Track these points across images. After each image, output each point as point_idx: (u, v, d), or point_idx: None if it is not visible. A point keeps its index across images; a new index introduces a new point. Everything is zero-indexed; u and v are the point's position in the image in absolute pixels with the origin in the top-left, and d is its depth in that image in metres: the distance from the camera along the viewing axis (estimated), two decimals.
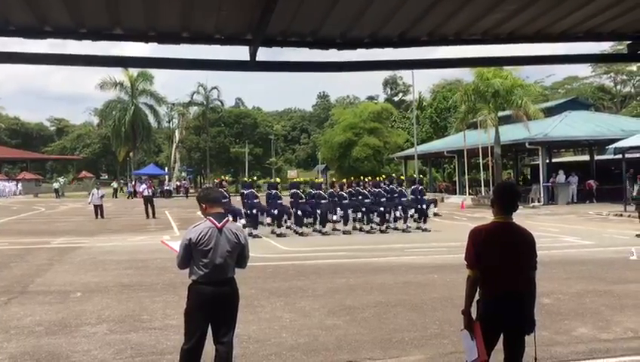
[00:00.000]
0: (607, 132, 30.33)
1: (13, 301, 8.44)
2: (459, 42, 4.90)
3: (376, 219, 17.98)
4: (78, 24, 4.21)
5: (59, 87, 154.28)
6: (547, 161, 33.58)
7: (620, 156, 25.64)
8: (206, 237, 4.33)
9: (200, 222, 4.46)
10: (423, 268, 10.87)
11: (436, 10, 4.21)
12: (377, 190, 18.20)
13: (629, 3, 4.23)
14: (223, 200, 13.69)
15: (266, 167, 71.85)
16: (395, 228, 18.24)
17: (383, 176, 22.71)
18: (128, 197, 47.69)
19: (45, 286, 9.62)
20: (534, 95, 34.44)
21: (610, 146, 26.26)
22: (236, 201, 18.31)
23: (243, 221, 16.06)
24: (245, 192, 17.40)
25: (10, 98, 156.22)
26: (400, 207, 18.15)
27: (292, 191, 17.98)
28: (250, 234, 16.21)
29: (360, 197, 17.99)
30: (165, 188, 51.76)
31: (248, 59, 4.67)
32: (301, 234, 17.25)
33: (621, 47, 5.99)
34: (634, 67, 53.93)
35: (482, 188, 34.02)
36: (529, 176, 42.93)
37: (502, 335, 3.79)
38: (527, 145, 31.24)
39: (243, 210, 17.02)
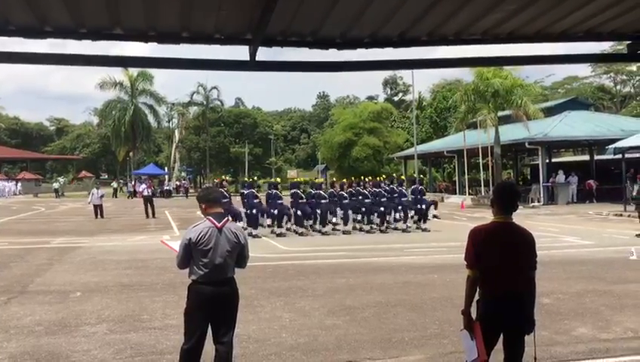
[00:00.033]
0: (606, 132, 30.34)
1: (13, 301, 8.43)
2: (459, 42, 4.91)
3: (377, 220, 17.99)
4: (78, 24, 4.21)
5: (59, 87, 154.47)
6: (547, 160, 33.59)
7: (619, 156, 25.65)
8: (206, 237, 4.33)
9: (200, 222, 4.46)
10: (422, 268, 10.87)
11: (436, 10, 4.21)
12: (378, 190, 18.20)
13: (629, 3, 4.23)
14: (224, 200, 13.75)
15: (266, 166, 71.86)
16: (395, 228, 18.24)
17: (384, 176, 22.71)
18: (129, 197, 47.67)
19: (45, 286, 9.62)
20: (534, 95, 34.43)
21: (610, 146, 26.27)
22: (236, 201, 18.29)
23: (243, 224, 16.04)
24: (245, 192, 17.38)
25: (10, 98, 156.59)
26: (400, 207, 18.15)
27: (292, 191, 18.00)
28: (250, 234, 16.22)
29: (360, 197, 17.98)
30: (165, 188, 51.76)
31: (248, 59, 4.67)
32: (301, 234, 17.26)
33: (621, 47, 5.99)
34: (634, 67, 53.96)
35: (482, 188, 34.04)
36: (529, 176, 42.94)
37: (501, 335, 3.79)
38: (526, 145, 31.26)
39: (243, 210, 17.02)
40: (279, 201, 17.33)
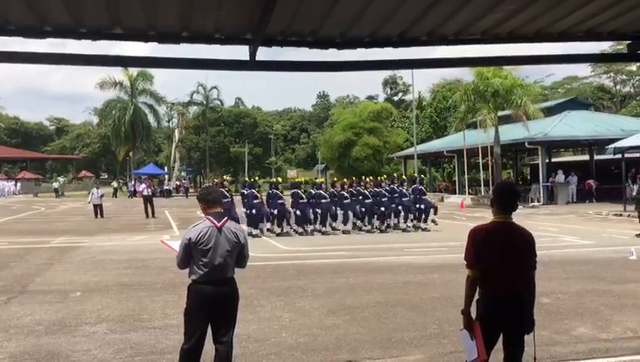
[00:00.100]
0: (606, 132, 30.35)
1: (13, 300, 8.43)
2: (458, 42, 4.91)
3: (377, 222, 18.00)
4: (77, 24, 4.21)
5: (58, 87, 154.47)
6: (547, 160, 33.61)
7: (619, 156, 25.66)
8: (205, 236, 4.33)
9: (199, 222, 4.46)
10: (422, 268, 10.87)
11: (436, 10, 4.22)
12: (378, 190, 18.19)
13: (629, 3, 4.23)
14: (224, 200, 13.76)
15: (266, 166, 71.85)
16: (396, 228, 18.24)
17: (384, 175, 22.70)
18: (129, 197, 47.65)
19: (45, 285, 9.62)
20: (534, 95, 34.43)
21: (610, 146, 26.28)
22: (237, 201, 18.28)
23: (244, 226, 16.04)
24: (245, 192, 17.40)
25: (10, 97, 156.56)
26: (400, 207, 18.16)
27: (292, 191, 18.02)
28: (250, 234, 16.24)
29: (360, 197, 17.98)
30: (165, 187, 51.74)
31: (248, 58, 4.67)
32: (301, 234, 17.28)
33: (621, 46, 6.00)
34: (634, 67, 53.97)
35: (482, 187, 34.04)
36: (528, 176, 42.95)
37: (501, 335, 3.79)
38: (526, 144, 31.28)
39: (243, 210, 17.06)
40: (279, 201, 17.34)
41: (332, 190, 18.23)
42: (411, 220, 18.29)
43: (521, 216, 17.89)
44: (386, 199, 17.98)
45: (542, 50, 5.55)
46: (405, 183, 19.32)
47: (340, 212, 17.89)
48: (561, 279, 9.41)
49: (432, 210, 18.61)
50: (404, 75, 79.97)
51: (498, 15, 4.39)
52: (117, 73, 57.08)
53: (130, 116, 56.84)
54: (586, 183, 31.89)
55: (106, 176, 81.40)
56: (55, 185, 54.13)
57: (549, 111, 34.52)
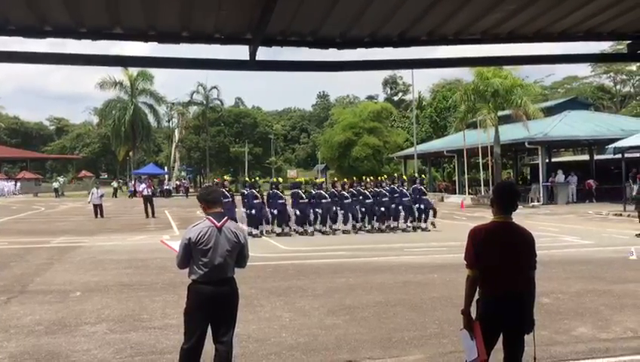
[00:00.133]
0: (606, 132, 30.36)
1: (13, 300, 8.44)
2: (458, 42, 4.91)
3: (376, 224, 18.00)
4: (77, 23, 4.21)
5: (58, 87, 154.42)
6: (547, 160, 33.61)
7: (619, 156, 25.65)
8: (205, 236, 4.33)
9: (199, 222, 4.46)
10: (422, 268, 10.87)
11: (436, 10, 4.22)
12: (379, 190, 18.19)
13: (629, 3, 4.23)
14: (225, 200, 13.77)
15: (266, 166, 71.87)
16: (396, 228, 18.25)
17: (385, 175, 22.69)
18: (130, 197, 47.63)
19: (45, 285, 9.62)
20: (534, 95, 34.41)
21: (610, 146, 26.28)
22: (237, 201, 18.30)
23: (244, 226, 16.05)
24: (246, 192, 17.43)
25: (10, 97, 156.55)
26: (401, 207, 18.16)
27: (292, 191, 18.03)
28: (250, 234, 16.25)
29: (361, 197, 17.98)
30: (165, 187, 51.74)
31: (248, 58, 4.67)
32: (302, 234, 17.28)
33: (621, 46, 5.99)
34: (634, 67, 53.94)
35: (482, 187, 34.03)
36: (528, 176, 42.95)
37: (501, 335, 3.79)
38: (526, 144, 31.28)
39: (243, 210, 17.09)
40: (280, 201, 17.35)
41: (332, 190, 18.22)
42: (411, 221, 18.28)
43: (521, 216, 17.90)
44: (386, 199, 17.98)
45: (542, 50, 5.56)
46: (406, 183, 19.30)
47: (340, 212, 17.88)
48: (561, 279, 9.41)
49: (431, 212, 18.59)
50: (404, 74, 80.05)
51: (498, 15, 4.39)
52: (117, 73, 57.19)
53: (130, 116, 56.83)
54: (586, 183, 31.90)
55: (106, 176, 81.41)
56: (55, 185, 54.13)
57: (549, 111, 34.52)
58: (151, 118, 61.33)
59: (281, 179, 20.31)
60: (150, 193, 26.46)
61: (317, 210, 17.52)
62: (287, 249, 14.17)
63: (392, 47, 4.87)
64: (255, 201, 17.02)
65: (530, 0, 4.12)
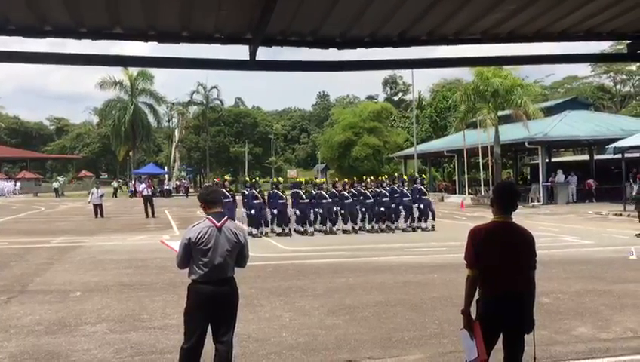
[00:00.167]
0: (606, 131, 30.34)
1: (13, 300, 8.44)
2: (458, 42, 4.91)
3: (376, 225, 17.99)
4: (77, 23, 4.21)
5: (58, 87, 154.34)
6: (547, 160, 33.60)
7: (619, 156, 25.65)
8: (205, 236, 4.33)
9: (199, 222, 4.47)
10: (422, 268, 10.87)
11: (436, 10, 4.22)
12: (379, 190, 18.18)
13: (629, 3, 4.23)
14: (225, 200, 13.78)
15: (266, 166, 71.90)
16: (396, 228, 18.24)
17: (386, 175, 22.69)
18: (131, 197, 47.60)
19: (45, 285, 9.63)
20: (534, 94, 34.38)
21: (610, 146, 26.27)
22: (239, 201, 18.33)
23: (244, 226, 16.06)
24: (246, 193, 17.47)
25: (10, 97, 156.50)
26: (401, 207, 18.16)
27: (292, 190, 18.04)
28: (250, 234, 16.27)
29: (361, 198, 17.98)
30: (165, 187, 51.73)
31: (248, 58, 4.67)
32: (302, 234, 17.30)
33: (621, 46, 6.00)
34: (634, 67, 53.90)
35: (482, 187, 34.02)
36: (528, 176, 42.94)
37: (501, 335, 3.79)
38: (526, 144, 31.27)
39: (244, 210, 17.15)
40: (280, 201, 17.36)
41: (333, 190, 18.22)
42: (411, 221, 18.28)
43: (521, 216, 17.89)
44: (386, 199, 17.98)
45: (542, 50, 5.56)
46: (406, 183, 19.30)
47: (340, 212, 17.89)
48: (561, 279, 9.41)
49: (430, 213, 18.58)
50: (404, 74, 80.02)
51: (498, 15, 4.39)
52: (117, 73, 57.20)
53: (130, 116, 56.83)
54: (586, 183, 31.89)
55: (106, 176, 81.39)
56: (55, 184, 54.14)
57: (549, 111, 34.51)
58: (151, 118, 61.43)
59: (281, 179, 20.32)
60: (150, 193, 26.46)
61: (317, 210, 17.53)
62: (287, 249, 14.17)
63: (392, 47, 4.87)
64: (255, 202, 17.03)
65: (530, 0, 4.12)
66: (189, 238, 4.34)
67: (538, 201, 30.08)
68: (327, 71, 5.10)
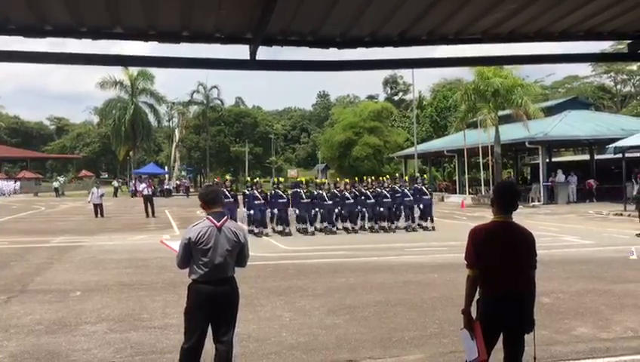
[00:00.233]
0: (607, 131, 30.34)
1: (13, 300, 8.44)
2: (459, 41, 4.90)
3: (376, 225, 17.99)
4: (78, 23, 4.21)
5: (59, 86, 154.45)
6: (547, 160, 33.58)
7: (620, 155, 25.64)
8: (205, 236, 4.33)
9: (199, 221, 4.47)
10: (423, 268, 10.87)
11: (436, 10, 4.21)
12: (380, 190, 18.17)
13: (630, 2, 4.22)
14: (226, 200, 13.79)
15: (266, 166, 71.91)
16: (397, 228, 18.24)
17: (387, 175, 22.67)
18: (132, 196, 47.59)
19: (45, 285, 9.63)
20: (534, 94, 34.38)
21: (610, 146, 26.26)
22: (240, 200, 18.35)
23: (244, 226, 16.08)
24: (247, 193, 17.50)
25: (10, 97, 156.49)
26: (402, 207, 18.17)
27: (293, 190, 18.05)
28: (252, 232, 16.33)
29: (363, 198, 17.97)
30: (165, 187, 51.73)
31: (248, 58, 4.66)
32: (302, 232, 17.31)
33: (621, 46, 5.98)
34: (634, 66, 53.85)
35: (482, 187, 34.02)
36: (529, 176, 42.92)
37: (501, 335, 3.79)
38: (527, 144, 31.25)
39: (244, 210, 17.23)
40: (281, 201, 17.37)
41: (334, 190, 18.20)
42: (412, 221, 18.28)
43: (522, 216, 17.88)
44: (387, 199, 17.97)
45: (542, 50, 5.55)
46: (407, 183, 19.29)
47: (341, 212, 17.91)
48: (561, 279, 9.41)
49: (433, 210, 18.57)
50: (405, 74, 79.97)
51: (498, 15, 4.39)
52: (117, 72, 57.17)
53: (130, 115, 56.79)
54: (587, 183, 31.88)
55: (107, 176, 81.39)
56: (55, 184, 54.13)
57: (550, 111, 34.49)
58: (151, 118, 61.37)
59: (282, 179, 20.33)
60: (150, 193, 26.47)
61: (317, 209, 17.54)
62: (287, 248, 14.17)
63: (392, 47, 4.86)
64: (255, 202, 17.05)
65: (530, 0, 4.11)
66: (189, 238, 4.34)
67: (538, 201, 30.08)
68: (328, 70, 5.10)
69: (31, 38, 4.38)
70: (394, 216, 18.24)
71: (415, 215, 18.43)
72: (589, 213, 24.08)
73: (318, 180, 22.22)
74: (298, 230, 17.56)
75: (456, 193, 38.75)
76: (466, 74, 39.60)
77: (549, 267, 9.97)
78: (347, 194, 17.91)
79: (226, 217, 4.53)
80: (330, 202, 17.59)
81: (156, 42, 4.54)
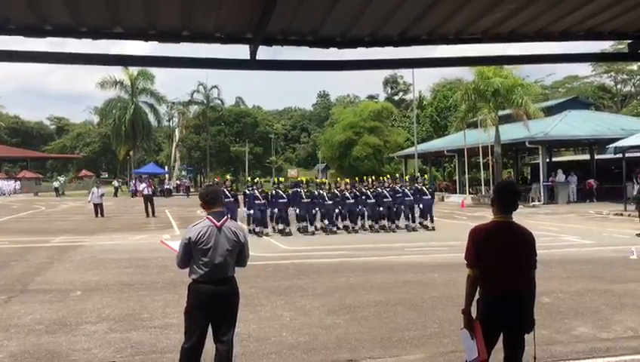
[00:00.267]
0: (607, 131, 30.33)
1: (14, 299, 8.44)
2: (459, 41, 4.90)
3: (376, 225, 18.00)
4: (78, 23, 4.21)
5: (59, 86, 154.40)
6: (547, 160, 33.59)
7: (620, 155, 25.63)
8: (205, 236, 4.33)
9: (199, 221, 4.47)
10: (423, 267, 10.87)
11: (436, 10, 4.21)
12: (381, 190, 18.17)
13: (630, 2, 4.22)
14: (227, 200, 13.80)
15: (266, 166, 71.88)
16: (397, 227, 18.24)
17: (388, 175, 22.68)
18: (132, 196, 47.58)
19: (45, 284, 9.63)
20: (534, 94, 34.38)
21: (611, 145, 26.25)
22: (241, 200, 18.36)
23: (244, 225, 16.08)
24: (247, 193, 17.51)
25: (11, 97, 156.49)
26: (402, 207, 18.17)
27: (292, 190, 18.06)
28: (253, 231, 16.34)
29: (363, 197, 17.98)
30: (165, 186, 51.73)
31: (248, 57, 4.66)
32: (301, 231, 17.32)
33: (622, 46, 5.98)
34: (634, 66, 53.88)
35: (482, 187, 34.02)
36: (529, 176, 42.90)
37: (501, 335, 3.79)
38: (527, 144, 31.24)
39: (244, 209, 17.27)
40: (281, 201, 17.37)
41: (335, 190, 18.20)
42: (413, 220, 18.28)
43: (522, 216, 17.88)
44: (388, 199, 17.97)
45: (542, 50, 5.54)
46: (408, 183, 19.29)
47: (341, 212, 17.91)
48: (561, 278, 9.41)
49: (433, 210, 18.57)
50: (405, 74, 79.95)
51: (498, 14, 4.39)
52: (117, 72, 57.17)
53: (130, 115, 56.78)
54: (587, 183, 31.88)
55: (107, 176, 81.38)
56: (55, 184, 54.13)
57: (550, 111, 34.48)
58: (151, 118, 61.35)
59: (282, 179, 20.35)
60: (150, 192, 26.48)
61: (317, 209, 17.55)
62: (287, 248, 14.17)
63: (392, 47, 4.86)
64: (256, 201, 17.06)
65: None
66: (189, 238, 4.34)
67: (539, 201, 30.07)
68: (328, 70, 5.10)
69: (31, 38, 4.38)
70: (394, 215, 18.25)
71: (416, 214, 18.45)
72: (590, 212, 24.08)
73: (318, 180, 22.22)
74: (298, 229, 17.57)
75: (456, 193, 38.75)
76: (466, 74, 39.65)
77: (549, 267, 9.97)
78: (347, 194, 17.91)
79: (226, 217, 4.53)
80: (331, 202, 17.59)
81: (156, 42, 4.54)
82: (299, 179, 20.78)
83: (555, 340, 6.04)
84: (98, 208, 25.24)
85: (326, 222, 17.57)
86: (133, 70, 55.65)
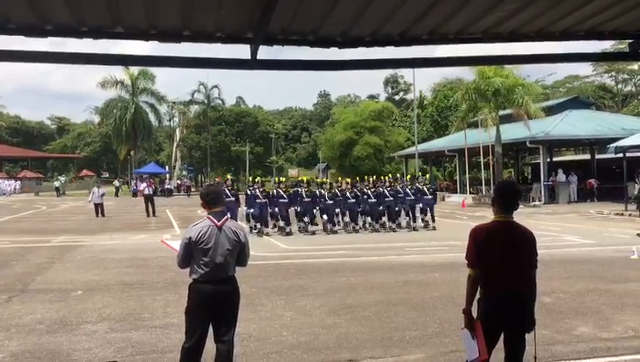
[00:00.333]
0: (608, 131, 30.32)
1: (14, 299, 8.45)
2: (459, 41, 4.90)
3: (377, 225, 18.00)
4: (78, 22, 4.21)
5: (59, 86, 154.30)
6: (548, 159, 33.57)
7: (620, 155, 25.62)
8: (206, 235, 4.33)
9: (199, 221, 4.47)
10: (423, 267, 10.87)
11: (437, 9, 4.21)
12: (382, 190, 18.17)
13: (630, 2, 4.22)
14: (227, 200, 13.80)
15: (267, 165, 71.86)
16: (398, 227, 18.24)
17: (389, 175, 22.69)
18: (133, 196, 47.57)
19: (46, 284, 9.64)
20: (535, 94, 34.35)
21: (611, 145, 26.23)
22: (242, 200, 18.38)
23: (244, 225, 16.10)
24: (248, 193, 17.53)
25: (11, 96, 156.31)
26: (403, 206, 18.17)
27: (293, 189, 18.08)
28: (254, 229, 16.33)
29: (365, 197, 17.98)
30: (166, 186, 51.74)
31: (249, 57, 4.66)
32: (302, 231, 17.32)
33: (622, 45, 5.98)
34: (635, 66, 53.85)
35: (483, 186, 34.02)
36: (529, 175, 42.88)
37: (502, 334, 3.79)
38: (527, 144, 31.23)
39: (245, 208, 17.28)
40: (282, 200, 17.38)
41: (335, 190, 18.21)
42: (414, 220, 18.28)
43: (523, 216, 17.87)
44: (388, 199, 17.97)
45: (543, 49, 5.54)
46: (409, 183, 19.28)
47: (340, 221, 17.96)
48: (562, 278, 9.41)
49: (434, 210, 18.57)
50: (406, 74, 79.88)
51: (499, 14, 4.39)
52: (118, 72, 57.17)
53: (131, 115, 56.78)
54: (588, 182, 31.87)
55: (107, 175, 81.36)
56: (56, 184, 54.11)
57: (551, 111, 34.46)
58: (152, 117, 61.32)
59: (283, 179, 20.36)
60: (151, 192, 26.49)
61: (318, 208, 17.56)
62: (288, 248, 14.18)
63: (393, 46, 4.86)
64: (257, 201, 17.07)
65: None
66: (190, 238, 4.34)
67: (539, 201, 30.06)
68: (328, 70, 5.09)
69: (32, 38, 4.38)
70: (395, 215, 18.24)
71: (417, 214, 18.45)
72: (590, 212, 24.07)
73: (319, 180, 22.22)
74: (299, 228, 17.57)
75: (457, 193, 38.75)
76: (467, 73, 39.62)
77: (550, 266, 9.97)
78: (348, 194, 17.91)
79: (226, 217, 4.53)
80: (331, 201, 17.59)
81: (157, 42, 4.55)
82: (299, 178, 20.77)
83: (555, 340, 6.04)
84: (99, 208, 25.26)
85: (325, 217, 17.56)
86: (134, 70, 55.75)
